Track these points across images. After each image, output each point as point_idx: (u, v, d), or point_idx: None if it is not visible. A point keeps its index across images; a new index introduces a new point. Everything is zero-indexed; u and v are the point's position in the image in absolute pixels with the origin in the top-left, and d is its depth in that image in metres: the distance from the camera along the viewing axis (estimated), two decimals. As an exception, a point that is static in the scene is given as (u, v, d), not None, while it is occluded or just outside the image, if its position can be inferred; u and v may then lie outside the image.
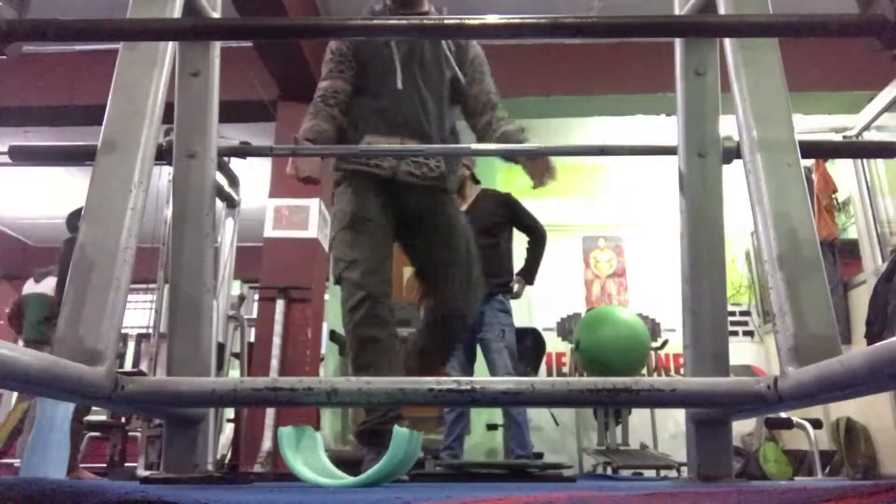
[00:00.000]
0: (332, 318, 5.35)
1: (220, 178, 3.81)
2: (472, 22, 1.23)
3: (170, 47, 1.38)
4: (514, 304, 3.83)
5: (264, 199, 4.30)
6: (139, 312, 4.30)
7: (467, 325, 2.21)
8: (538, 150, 1.97)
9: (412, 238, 2.17)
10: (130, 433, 4.20)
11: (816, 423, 3.74)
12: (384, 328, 1.96)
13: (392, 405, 1.86)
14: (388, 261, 2.05)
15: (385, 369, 1.91)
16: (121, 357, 5.06)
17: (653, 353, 4.82)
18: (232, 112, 3.08)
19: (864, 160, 4.25)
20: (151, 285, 3.56)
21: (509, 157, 2.21)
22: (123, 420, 4.02)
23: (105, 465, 4.18)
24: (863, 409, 4.17)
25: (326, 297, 4.99)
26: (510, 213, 3.62)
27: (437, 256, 2.12)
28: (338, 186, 2.14)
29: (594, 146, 1.72)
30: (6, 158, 1.58)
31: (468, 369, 3.67)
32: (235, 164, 4.13)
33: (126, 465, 4.01)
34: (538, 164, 1.95)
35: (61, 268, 4.27)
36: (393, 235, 2.11)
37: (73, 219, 4.46)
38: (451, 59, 2.14)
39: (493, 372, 3.50)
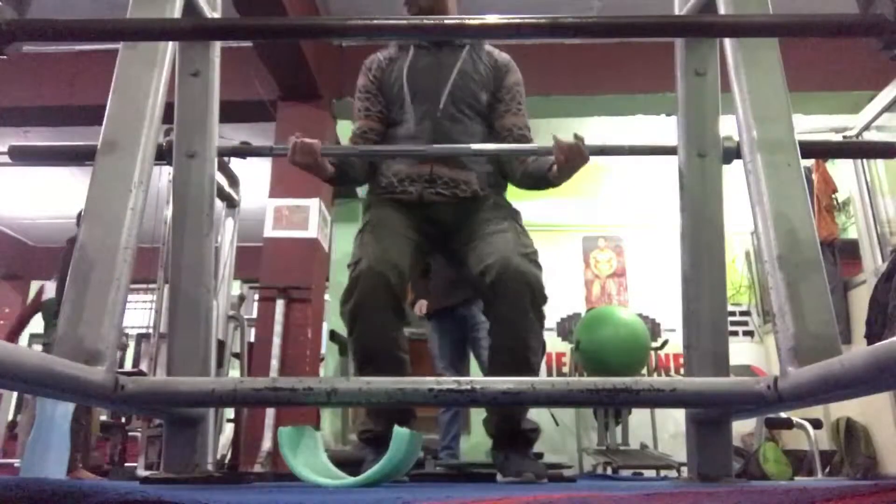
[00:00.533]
0: (333, 318, 5.35)
1: (220, 178, 3.82)
2: (472, 22, 1.23)
3: (170, 47, 1.38)
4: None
5: (264, 199, 4.29)
6: (139, 312, 4.30)
7: (536, 348, 1.84)
8: (538, 150, 1.96)
9: (450, 242, 2.00)
10: (130, 433, 4.20)
11: (816, 423, 3.74)
12: (383, 312, 1.79)
13: (391, 406, 1.83)
14: (405, 258, 1.87)
15: (380, 346, 1.80)
16: (121, 357, 5.06)
17: (653, 353, 4.83)
18: (232, 112, 3.08)
19: (865, 160, 4.25)
20: (151, 285, 3.55)
21: (538, 183, 2.04)
22: (123, 420, 4.03)
23: (105, 464, 4.18)
24: (863, 409, 4.17)
25: (326, 297, 4.99)
26: None
27: (476, 248, 1.89)
28: (364, 217, 2.04)
29: (594, 146, 1.70)
30: (6, 158, 1.58)
31: (460, 369, 3.67)
32: (235, 164, 4.14)
33: (126, 465, 4.01)
34: (571, 149, 1.73)
35: (63, 266, 4.27)
36: (416, 247, 1.94)
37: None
38: (488, 82, 2.03)
39: (483, 371, 3.49)
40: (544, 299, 1.83)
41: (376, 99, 2.04)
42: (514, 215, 2.03)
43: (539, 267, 1.86)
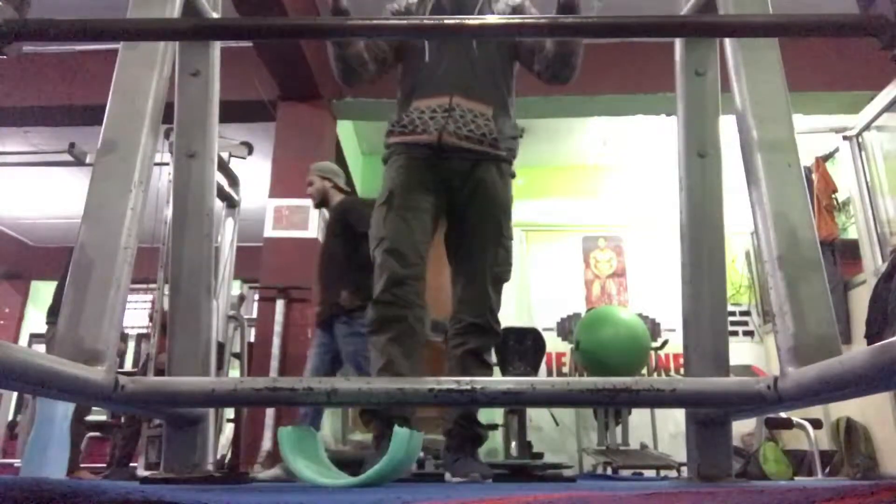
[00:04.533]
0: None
1: (220, 178, 3.83)
2: (472, 22, 1.23)
3: (170, 47, 1.38)
4: (514, 304, 3.82)
5: (264, 199, 4.30)
6: (139, 312, 4.31)
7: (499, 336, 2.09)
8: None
9: (454, 218, 2.09)
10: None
11: (816, 423, 3.74)
12: (408, 310, 1.92)
13: (392, 405, 1.85)
14: (424, 244, 1.98)
15: (400, 350, 1.89)
16: (121, 357, 5.06)
17: (653, 353, 4.82)
18: (232, 112, 3.08)
19: (864, 160, 4.26)
20: (151, 285, 3.55)
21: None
22: (123, 420, 4.02)
23: (105, 464, 4.18)
24: (863, 409, 4.17)
25: (326, 297, 4.99)
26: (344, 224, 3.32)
27: (468, 240, 2.04)
28: (385, 163, 2.10)
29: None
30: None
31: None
32: (235, 164, 4.15)
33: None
34: None
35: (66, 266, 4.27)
36: (434, 216, 2.03)
37: None
38: (502, 11, 2.07)
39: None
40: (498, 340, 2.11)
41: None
42: (508, 201, 2.11)
43: (499, 294, 2.08)
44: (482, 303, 2.02)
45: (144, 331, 4.49)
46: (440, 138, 1.95)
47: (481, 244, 2.03)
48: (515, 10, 2.09)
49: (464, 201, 2.03)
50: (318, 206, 3.62)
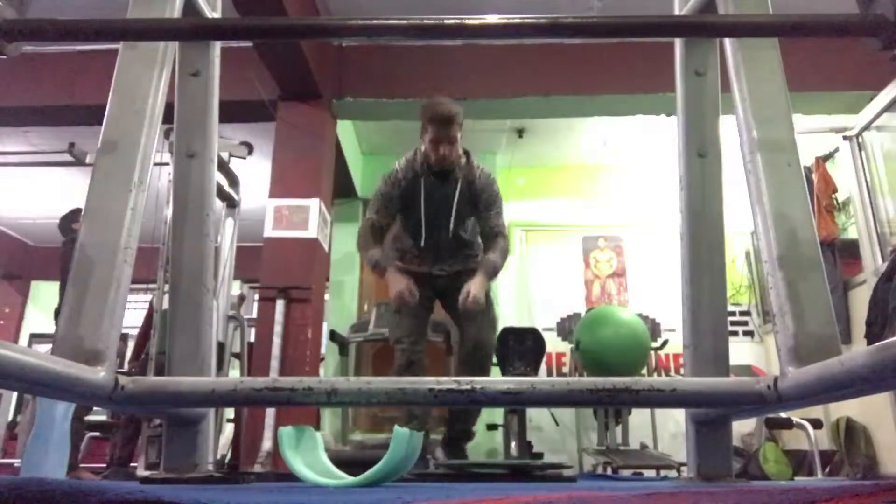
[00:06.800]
0: (332, 318, 5.35)
1: (220, 178, 3.82)
2: (472, 22, 1.23)
3: (170, 47, 1.38)
4: (514, 304, 3.82)
5: (264, 199, 4.29)
6: (139, 312, 4.30)
7: (490, 355, 2.91)
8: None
9: (445, 299, 2.95)
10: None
11: (816, 423, 3.74)
12: (420, 369, 2.81)
13: (391, 405, 1.89)
14: (425, 328, 2.93)
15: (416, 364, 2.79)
16: (120, 358, 5.06)
17: (653, 353, 4.82)
18: (232, 112, 3.08)
19: (864, 160, 4.26)
20: (151, 285, 3.55)
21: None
22: (122, 420, 4.01)
23: (105, 464, 4.17)
24: (863, 409, 4.17)
25: (326, 297, 4.99)
26: None
27: (461, 311, 2.77)
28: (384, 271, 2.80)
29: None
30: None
31: None
32: (235, 164, 4.14)
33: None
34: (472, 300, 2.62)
35: (63, 267, 4.26)
36: (429, 309, 2.93)
37: (66, 222, 4.46)
38: (476, 198, 2.81)
39: None
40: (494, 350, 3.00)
41: (394, 206, 2.83)
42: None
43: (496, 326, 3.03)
44: None
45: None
46: (430, 272, 2.91)
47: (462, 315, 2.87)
48: (481, 187, 2.79)
49: (449, 292, 2.88)
50: None
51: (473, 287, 2.64)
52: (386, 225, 2.84)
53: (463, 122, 2.79)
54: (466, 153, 2.85)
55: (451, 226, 2.82)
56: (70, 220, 4.42)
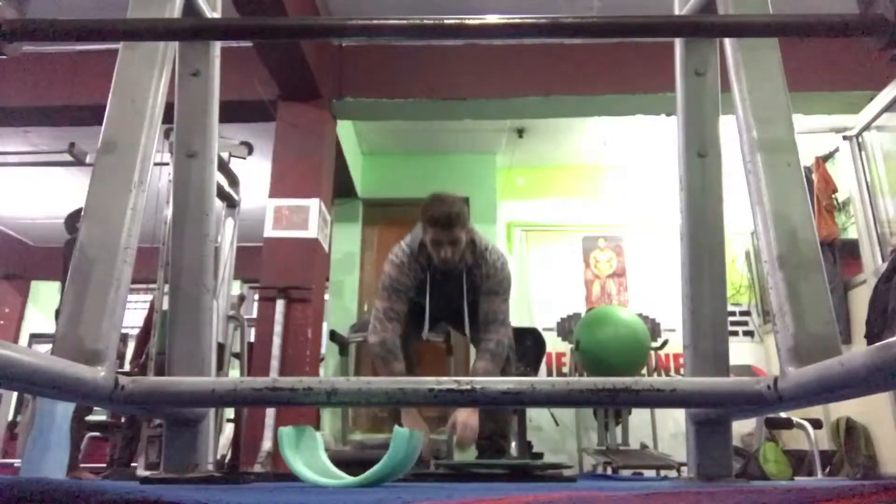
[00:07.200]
0: (333, 318, 5.35)
1: (220, 178, 3.82)
2: (471, 22, 1.23)
3: (170, 47, 1.38)
4: (514, 303, 3.82)
5: (264, 199, 4.29)
6: (139, 312, 4.30)
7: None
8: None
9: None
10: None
11: (816, 423, 3.74)
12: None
13: (391, 405, 1.89)
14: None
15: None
16: (120, 358, 5.05)
17: (653, 353, 4.82)
18: (232, 112, 3.07)
19: (864, 160, 4.26)
20: (151, 285, 3.55)
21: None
22: (123, 420, 4.02)
23: (105, 464, 4.17)
24: (863, 409, 4.17)
25: (326, 297, 4.99)
26: None
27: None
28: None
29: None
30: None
31: None
32: (235, 164, 4.14)
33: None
34: (461, 428, 2.47)
35: (65, 266, 4.26)
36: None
37: (72, 220, 4.46)
38: (481, 284, 2.65)
39: None
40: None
41: (406, 294, 2.61)
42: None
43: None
44: None
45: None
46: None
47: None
48: (489, 275, 2.62)
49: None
50: None
51: (461, 416, 2.47)
52: (402, 314, 2.60)
53: (468, 221, 2.59)
54: (472, 242, 2.61)
55: (467, 331, 2.69)
56: (76, 219, 4.43)
